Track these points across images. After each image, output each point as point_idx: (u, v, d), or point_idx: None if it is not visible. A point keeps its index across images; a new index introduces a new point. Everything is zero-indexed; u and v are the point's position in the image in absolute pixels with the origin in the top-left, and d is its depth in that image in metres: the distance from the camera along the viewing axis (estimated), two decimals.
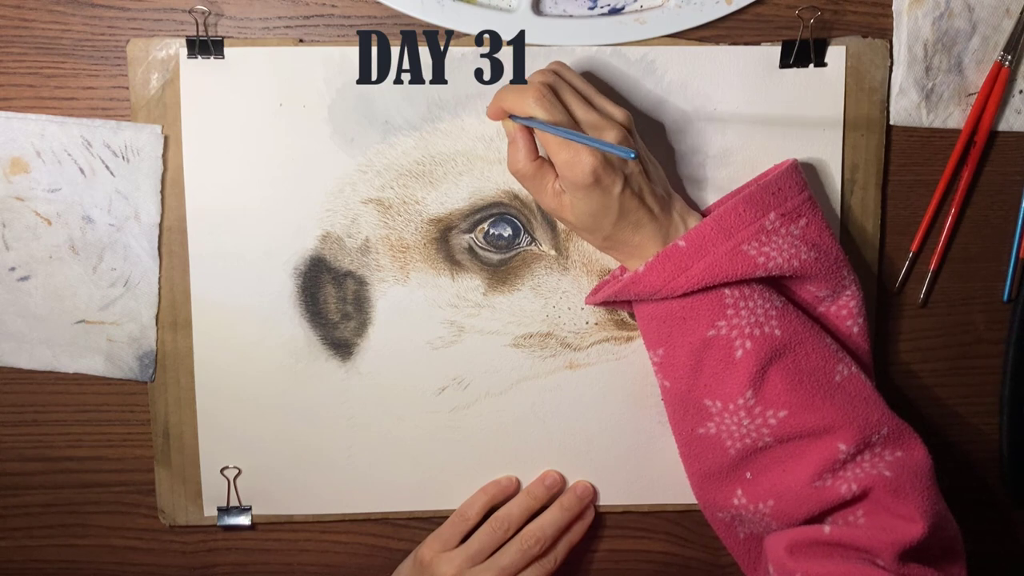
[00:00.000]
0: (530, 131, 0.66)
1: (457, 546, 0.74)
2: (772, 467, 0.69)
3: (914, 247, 0.76)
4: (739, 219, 0.67)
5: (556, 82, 0.66)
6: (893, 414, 0.69)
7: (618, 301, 0.72)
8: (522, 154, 0.66)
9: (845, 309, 0.71)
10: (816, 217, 0.69)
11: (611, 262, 0.73)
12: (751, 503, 0.70)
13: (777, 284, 0.70)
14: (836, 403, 0.67)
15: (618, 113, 0.66)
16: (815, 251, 0.68)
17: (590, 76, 0.71)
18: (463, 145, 0.72)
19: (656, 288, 0.67)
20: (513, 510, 0.75)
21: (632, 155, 0.59)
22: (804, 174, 0.71)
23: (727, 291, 0.67)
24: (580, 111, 0.65)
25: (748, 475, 0.70)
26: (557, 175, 0.66)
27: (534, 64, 0.71)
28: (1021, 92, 0.75)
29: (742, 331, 0.67)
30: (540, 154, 0.67)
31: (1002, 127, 0.75)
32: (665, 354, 0.70)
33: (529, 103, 0.64)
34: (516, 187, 0.72)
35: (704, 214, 0.71)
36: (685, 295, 0.67)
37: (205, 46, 0.70)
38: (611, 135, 0.65)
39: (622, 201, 0.66)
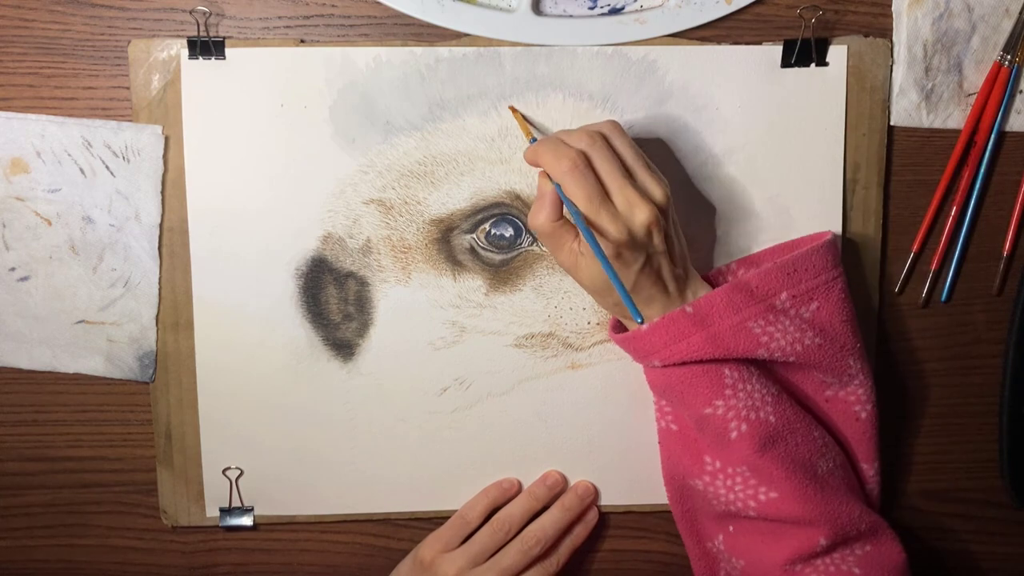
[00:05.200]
0: None
1: (458, 547, 0.74)
2: (752, 533, 0.70)
3: (915, 247, 0.76)
4: (750, 295, 0.67)
5: (598, 148, 0.64)
6: (870, 510, 0.70)
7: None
8: (544, 213, 0.65)
9: (853, 395, 0.72)
10: (829, 302, 0.68)
11: None
12: (728, 553, 0.71)
13: (783, 363, 0.70)
14: (823, 497, 0.68)
15: (657, 192, 0.65)
16: (821, 337, 0.68)
17: (590, 76, 0.71)
18: (464, 145, 0.72)
19: (655, 348, 0.67)
20: (514, 511, 0.75)
21: (639, 319, 0.59)
22: (838, 250, 0.70)
23: (727, 371, 0.67)
24: (615, 187, 0.63)
25: (731, 528, 0.71)
26: (578, 235, 0.65)
27: (534, 64, 0.71)
28: (1021, 92, 0.75)
29: (738, 413, 0.67)
30: (563, 214, 0.65)
31: (1000, 126, 0.75)
32: (671, 409, 0.71)
33: (562, 171, 0.63)
34: (518, 187, 0.72)
35: (735, 267, 0.72)
36: (684, 364, 0.67)
37: (206, 47, 0.70)
38: (641, 215, 0.63)
39: (639, 278, 0.65)
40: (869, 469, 0.73)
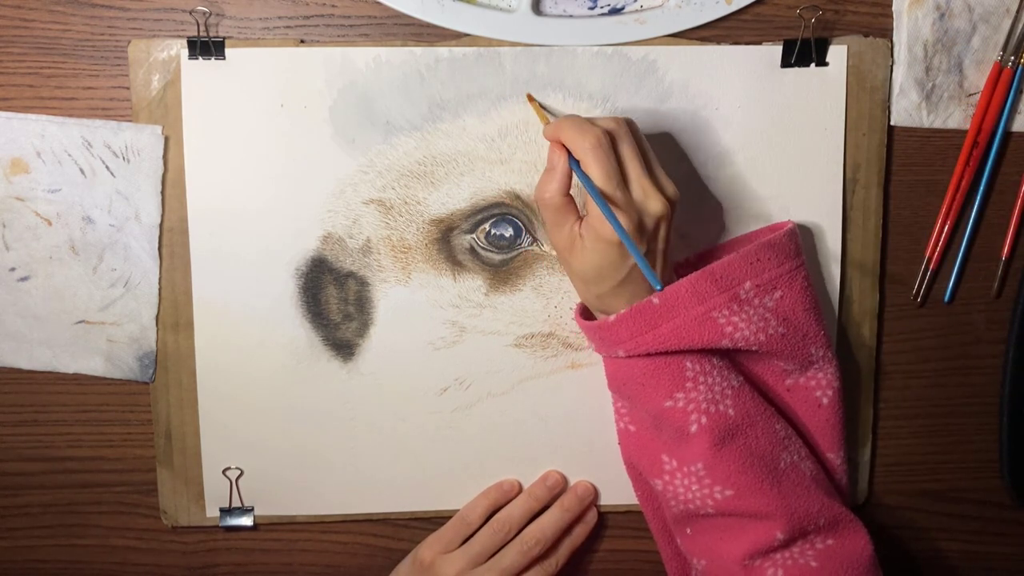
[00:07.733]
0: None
1: (458, 548, 0.74)
2: (710, 532, 0.69)
3: (928, 251, 0.76)
4: (715, 285, 0.67)
5: (623, 134, 0.64)
6: (835, 503, 0.69)
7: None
8: (555, 185, 0.64)
9: (814, 380, 0.72)
10: (792, 291, 0.69)
11: None
12: (690, 555, 0.71)
13: (746, 353, 0.70)
14: (781, 491, 0.67)
15: (669, 188, 0.65)
16: (784, 326, 0.68)
17: (590, 76, 0.71)
18: (464, 145, 0.72)
19: (622, 339, 0.67)
20: (514, 511, 0.75)
21: (659, 287, 0.59)
22: (799, 239, 0.70)
23: (688, 363, 0.67)
24: (634, 172, 0.64)
25: (688, 531, 0.71)
26: (580, 218, 0.65)
27: (534, 64, 0.71)
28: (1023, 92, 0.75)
29: (698, 406, 0.67)
30: (571, 191, 0.65)
31: (1004, 127, 0.75)
32: (629, 407, 0.71)
33: (586, 146, 0.62)
34: (517, 187, 0.72)
35: (695, 259, 0.72)
36: (648, 355, 0.67)
37: (206, 47, 0.70)
38: (655, 206, 0.64)
39: (633, 270, 0.65)
40: (835, 458, 0.73)
